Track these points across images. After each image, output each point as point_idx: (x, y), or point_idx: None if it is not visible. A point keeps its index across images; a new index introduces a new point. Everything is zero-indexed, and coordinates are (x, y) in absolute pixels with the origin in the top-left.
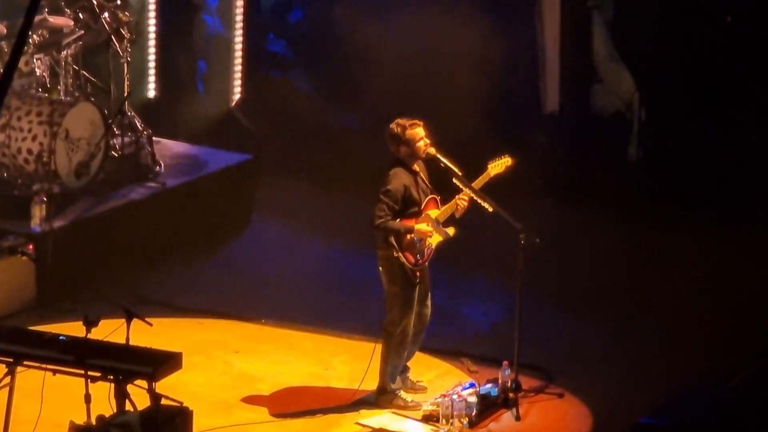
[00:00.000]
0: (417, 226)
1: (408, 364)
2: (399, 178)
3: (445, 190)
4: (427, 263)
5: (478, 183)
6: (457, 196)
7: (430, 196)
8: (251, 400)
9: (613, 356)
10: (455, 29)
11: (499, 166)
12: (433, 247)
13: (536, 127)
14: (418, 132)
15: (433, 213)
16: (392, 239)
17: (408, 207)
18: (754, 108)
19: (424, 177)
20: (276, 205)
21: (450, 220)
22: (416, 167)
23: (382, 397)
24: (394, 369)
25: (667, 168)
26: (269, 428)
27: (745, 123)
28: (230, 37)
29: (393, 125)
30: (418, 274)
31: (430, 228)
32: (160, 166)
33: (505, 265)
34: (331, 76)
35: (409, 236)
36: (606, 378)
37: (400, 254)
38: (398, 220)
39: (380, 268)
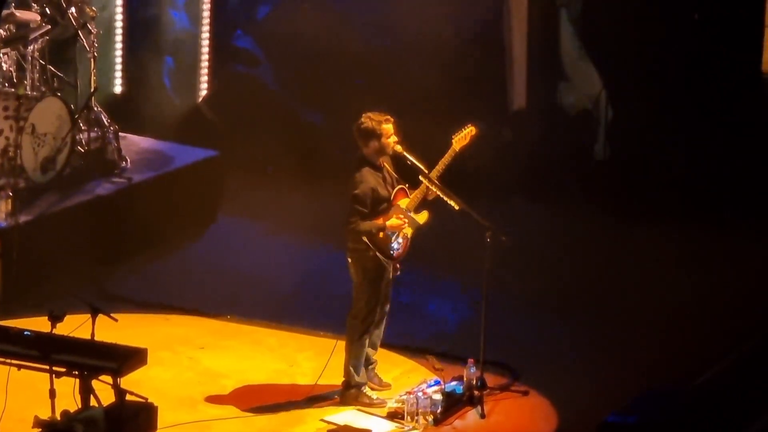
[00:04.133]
0: (388, 223)
1: (375, 357)
2: (366, 181)
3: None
4: (404, 255)
5: (446, 159)
6: (425, 179)
7: (398, 187)
8: (216, 396)
9: (579, 354)
10: (422, 26)
11: (463, 138)
12: (409, 236)
13: (503, 125)
14: (390, 128)
15: (403, 203)
16: (366, 239)
17: (378, 206)
18: (720, 106)
19: (389, 169)
20: (242, 200)
21: (422, 205)
22: (381, 162)
23: (347, 393)
24: (357, 361)
25: (634, 166)
26: (234, 424)
27: (712, 121)
28: (197, 32)
29: (365, 119)
30: (398, 266)
31: (402, 220)
32: (126, 161)
33: (471, 262)
34: (297, 72)
35: (381, 233)
36: (571, 376)
37: (377, 253)
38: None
39: (349, 260)
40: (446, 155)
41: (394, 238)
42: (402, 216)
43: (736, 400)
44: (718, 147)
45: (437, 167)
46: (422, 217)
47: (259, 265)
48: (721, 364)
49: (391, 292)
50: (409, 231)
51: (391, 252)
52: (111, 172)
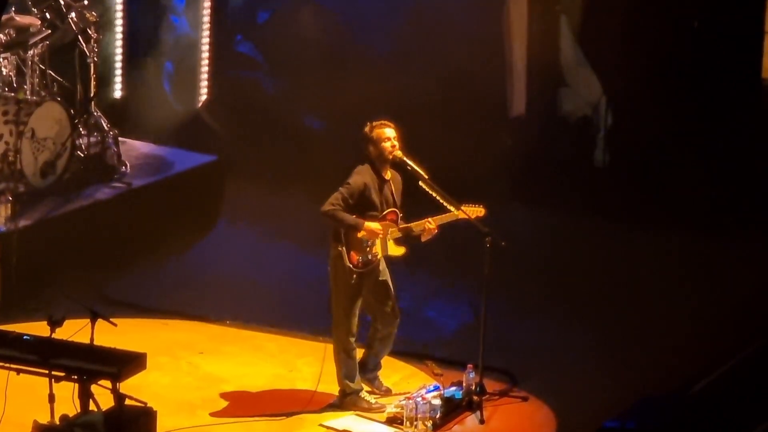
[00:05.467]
0: (367, 224)
1: (381, 362)
2: (361, 175)
3: (416, 204)
4: (366, 270)
5: (443, 219)
6: (426, 219)
7: (391, 209)
8: (216, 401)
9: (578, 360)
10: (422, 32)
11: (470, 212)
12: (379, 257)
13: (503, 131)
14: (385, 132)
15: (392, 227)
16: (342, 234)
17: (366, 207)
18: (721, 112)
19: (394, 190)
20: (242, 206)
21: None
22: (388, 176)
23: (345, 400)
24: (348, 370)
25: (634, 172)
26: (233, 429)
27: (712, 127)
28: (197, 37)
29: (365, 125)
30: (355, 276)
31: (380, 227)
32: (125, 166)
33: (470, 268)
34: (298, 77)
35: (359, 234)
36: (571, 381)
37: (343, 249)
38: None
39: (329, 269)
40: (447, 215)
41: (367, 247)
42: (382, 229)
43: (735, 406)
44: (719, 153)
45: (435, 218)
46: (400, 251)
47: (259, 271)
48: (720, 369)
49: (394, 301)
50: (381, 252)
51: (357, 260)
52: (111, 177)
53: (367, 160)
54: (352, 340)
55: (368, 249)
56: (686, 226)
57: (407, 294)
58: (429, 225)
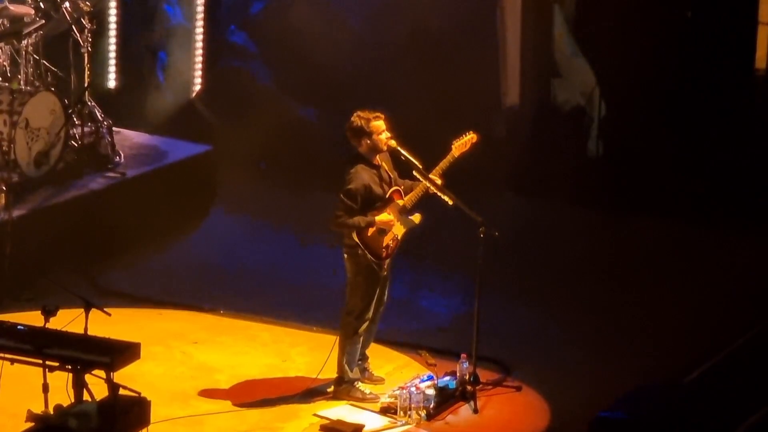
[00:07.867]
0: (378, 218)
1: (366, 353)
2: (360, 177)
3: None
4: (392, 255)
5: (444, 164)
6: (425, 180)
7: (393, 188)
8: (209, 390)
9: (572, 350)
10: (415, 21)
11: (463, 144)
12: (399, 238)
13: (496, 121)
14: (381, 125)
15: (399, 203)
16: (354, 236)
17: (372, 204)
18: (714, 103)
19: (387, 168)
20: (235, 195)
21: (419, 206)
22: (378, 160)
23: (340, 388)
24: (350, 357)
25: (626, 162)
26: (227, 419)
27: (705, 118)
28: (191, 27)
29: (354, 118)
30: (385, 266)
31: (392, 217)
32: (119, 156)
33: (464, 258)
34: (291, 67)
35: (371, 230)
36: (564, 371)
37: (365, 251)
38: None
39: (345, 255)
40: (444, 160)
41: (383, 237)
42: (393, 213)
43: (727, 396)
44: (711, 144)
45: (434, 170)
46: (416, 218)
47: (252, 260)
48: (712, 360)
49: (388, 290)
50: (400, 231)
51: (380, 251)
52: (104, 166)
53: (358, 154)
54: (363, 327)
55: (384, 237)
56: (678, 217)
57: (401, 284)
58: (431, 183)
